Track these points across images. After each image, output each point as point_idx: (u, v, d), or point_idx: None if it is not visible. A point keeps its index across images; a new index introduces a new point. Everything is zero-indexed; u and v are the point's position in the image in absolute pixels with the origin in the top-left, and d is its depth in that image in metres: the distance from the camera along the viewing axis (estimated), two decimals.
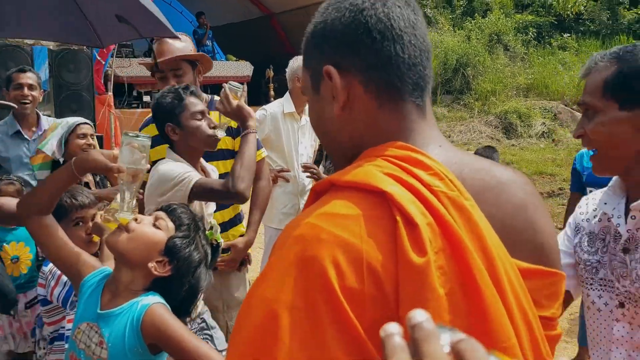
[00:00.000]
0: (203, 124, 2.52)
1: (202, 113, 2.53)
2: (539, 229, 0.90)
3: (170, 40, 2.95)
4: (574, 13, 20.56)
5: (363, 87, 0.90)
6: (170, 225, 1.86)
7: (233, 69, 11.39)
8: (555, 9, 20.39)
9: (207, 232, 2.00)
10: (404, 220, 0.76)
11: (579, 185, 3.65)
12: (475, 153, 4.32)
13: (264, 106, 4.08)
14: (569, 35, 20.41)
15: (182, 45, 3.00)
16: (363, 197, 0.79)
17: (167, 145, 2.60)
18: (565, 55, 18.99)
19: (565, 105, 16.13)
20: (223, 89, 2.48)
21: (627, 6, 21.71)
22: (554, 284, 0.89)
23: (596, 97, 1.34)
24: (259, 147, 3.07)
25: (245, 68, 11.63)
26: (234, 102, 2.43)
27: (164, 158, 2.54)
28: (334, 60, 0.91)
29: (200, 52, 3.24)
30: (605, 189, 1.48)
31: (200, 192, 2.36)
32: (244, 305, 0.79)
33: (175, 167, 2.41)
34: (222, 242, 2.26)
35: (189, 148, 2.52)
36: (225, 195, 2.39)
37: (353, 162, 0.88)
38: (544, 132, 14.51)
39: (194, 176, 2.38)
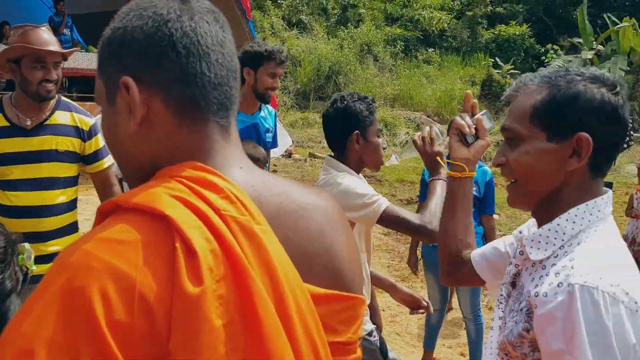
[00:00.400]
0: (381, 143, 2.42)
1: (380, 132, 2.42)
2: (337, 254, 0.89)
3: (43, 28, 2.67)
4: (438, 29, 21.94)
5: (164, 104, 0.84)
6: None
7: (95, 61, 10.93)
8: (422, 24, 21.62)
9: (19, 257, 1.76)
10: (183, 247, 0.72)
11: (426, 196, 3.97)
12: None
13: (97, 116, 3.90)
14: (433, 50, 21.74)
15: (54, 38, 2.71)
16: (145, 222, 0.74)
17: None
18: (429, 68, 20.21)
19: (428, 117, 17.19)
20: (430, 129, 2.28)
21: (485, 26, 23.56)
22: (351, 308, 0.88)
23: (523, 124, 1.21)
24: (106, 154, 2.86)
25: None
26: (437, 148, 2.24)
27: None
28: (133, 72, 0.84)
29: (72, 49, 3.03)
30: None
31: (391, 219, 2.22)
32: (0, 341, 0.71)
33: (361, 185, 2.29)
34: (34, 270, 1.98)
35: (359, 163, 2.40)
36: (417, 230, 2.21)
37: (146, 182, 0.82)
38: (407, 141, 15.35)
39: (384, 201, 2.24)
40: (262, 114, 3.57)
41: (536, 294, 1.11)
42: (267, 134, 3.60)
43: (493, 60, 21.37)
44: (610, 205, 1.22)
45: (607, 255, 1.14)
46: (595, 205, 1.19)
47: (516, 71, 21.41)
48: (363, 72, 18.22)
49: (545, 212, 1.25)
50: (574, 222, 1.18)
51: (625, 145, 4.74)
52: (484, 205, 3.95)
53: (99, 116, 3.93)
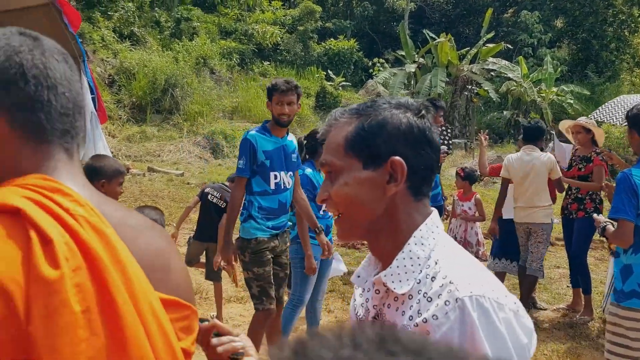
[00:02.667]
0: None
1: None
2: (174, 272, 0.98)
3: None
4: (272, 43, 22.48)
5: (9, 126, 0.89)
6: None
7: None
8: (256, 38, 22.01)
9: None
10: (38, 237, 0.77)
11: None
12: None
13: None
14: (268, 63, 22.24)
15: None
16: None
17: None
18: (265, 81, 20.58)
19: None
20: None
21: (317, 40, 24.60)
22: (187, 318, 0.96)
23: (338, 156, 1.20)
24: None
25: None
26: None
27: None
28: None
29: None
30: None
31: None
32: None
33: None
34: None
35: None
36: None
37: None
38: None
39: None
40: (289, 138, 4.03)
41: (424, 320, 1.08)
42: (293, 155, 4.03)
43: (325, 73, 22.37)
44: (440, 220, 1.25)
45: (469, 264, 1.16)
46: (433, 223, 1.20)
47: (347, 83, 22.66)
48: (200, 85, 18.12)
49: (376, 240, 1.23)
50: (422, 244, 1.17)
51: (447, 150, 5.24)
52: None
53: None
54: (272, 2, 24.85)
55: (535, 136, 5.50)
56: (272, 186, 3.87)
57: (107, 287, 0.79)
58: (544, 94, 20.57)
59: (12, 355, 0.72)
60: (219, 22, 22.28)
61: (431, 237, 1.18)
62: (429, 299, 1.10)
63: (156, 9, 20.72)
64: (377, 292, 1.20)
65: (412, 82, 20.55)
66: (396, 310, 1.16)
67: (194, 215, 6.10)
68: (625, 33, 27.47)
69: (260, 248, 3.86)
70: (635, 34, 27.89)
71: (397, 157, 1.16)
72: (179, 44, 19.62)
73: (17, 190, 0.83)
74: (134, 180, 12.16)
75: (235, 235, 4.03)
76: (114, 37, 18.25)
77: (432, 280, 1.12)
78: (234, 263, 4.00)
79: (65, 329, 0.74)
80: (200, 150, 15.49)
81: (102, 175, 2.96)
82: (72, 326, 0.74)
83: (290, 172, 3.98)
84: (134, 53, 17.90)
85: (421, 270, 1.15)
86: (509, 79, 20.27)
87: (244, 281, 4.06)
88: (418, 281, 1.14)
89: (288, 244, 4.12)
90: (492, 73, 21.05)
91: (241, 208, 3.97)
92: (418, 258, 1.16)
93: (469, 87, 20.70)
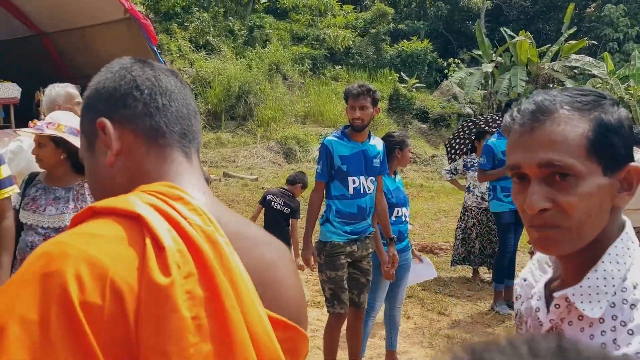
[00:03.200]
0: None
1: None
2: (285, 288, 0.98)
3: None
4: (344, 47, 22.42)
5: (133, 135, 0.97)
6: None
7: None
8: (327, 42, 22.02)
9: None
10: (152, 243, 0.81)
11: None
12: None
13: (19, 137, 3.76)
14: (340, 67, 22.18)
15: None
16: (119, 221, 0.83)
17: None
18: (337, 85, 20.59)
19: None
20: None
21: (389, 43, 24.33)
22: (292, 339, 0.94)
23: (579, 159, 0.99)
24: (7, 185, 3.00)
25: (10, 89, 10.64)
26: None
27: None
28: (107, 114, 0.98)
29: None
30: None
31: None
32: None
33: None
34: None
35: None
36: None
37: None
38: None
39: None
40: (371, 142, 4.00)
41: (626, 357, 0.86)
42: (375, 160, 3.97)
43: (398, 75, 22.06)
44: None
45: None
46: (628, 237, 1.05)
47: (421, 84, 22.24)
48: (273, 90, 18.28)
49: (588, 255, 1.05)
50: (617, 263, 1.03)
51: None
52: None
53: (6, 149, 3.82)
54: (344, 6, 24.78)
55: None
56: (351, 191, 3.88)
57: (218, 294, 0.82)
58: (632, 91, 19.36)
59: (118, 356, 0.75)
60: (291, 29, 22.45)
61: (627, 254, 1.04)
62: (630, 332, 0.97)
63: (230, 18, 21.12)
64: (557, 306, 1.07)
65: (490, 82, 19.90)
66: (581, 331, 1.03)
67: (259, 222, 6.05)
68: None
69: (334, 252, 3.87)
70: None
71: (634, 164, 1.02)
72: (252, 52, 19.91)
73: (143, 196, 0.89)
74: (211, 186, 12.33)
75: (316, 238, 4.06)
76: (190, 47, 18.75)
77: (632, 309, 0.98)
78: (312, 264, 3.99)
79: (174, 334, 0.77)
80: (273, 155, 15.58)
81: None
82: (181, 331, 0.77)
83: (372, 177, 3.95)
84: (209, 62, 18.30)
85: (615, 293, 1.01)
86: (594, 76, 19.21)
87: (320, 283, 4.07)
88: (612, 304, 1.00)
89: (370, 250, 4.05)
90: (575, 70, 20.06)
91: (320, 211, 4.02)
92: (612, 279, 1.02)
93: (551, 85, 19.82)
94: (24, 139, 3.67)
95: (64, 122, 2.90)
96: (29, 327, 0.72)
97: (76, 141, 3.02)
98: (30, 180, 3.03)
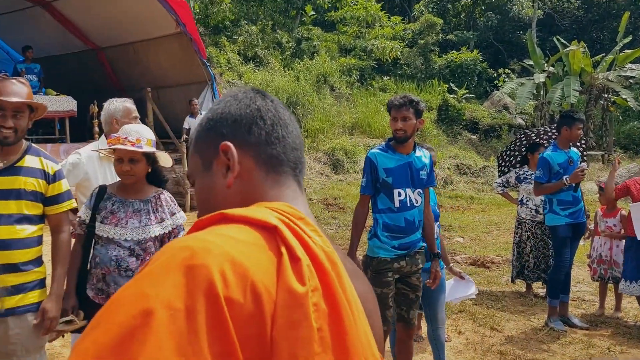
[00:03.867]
0: None
1: None
2: (373, 319, 1.02)
3: (14, 80, 2.95)
4: (391, 58, 22.33)
5: (254, 160, 1.04)
6: None
7: (54, 104, 10.71)
8: (375, 54, 21.98)
9: None
10: (289, 253, 0.85)
11: None
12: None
13: (77, 150, 3.86)
14: (388, 78, 22.09)
15: (26, 90, 2.96)
16: (254, 229, 0.88)
17: None
18: (385, 96, 20.49)
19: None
20: None
21: (438, 53, 24.11)
22: None
23: None
24: (66, 199, 3.08)
25: (67, 103, 10.99)
26: None
27: None
28: (230, 139, 1.04)
29: (39, 102, 3.15)
30: None
31: None
32: (108, 303, 0.77)
33: None
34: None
35: None
36: None
37: None
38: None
39: None
40: (417, 153, 3.91)
41: None
42: (422, 172, 3.89)
43: (447, 85, 21.81)
44: None
45: None
46: None
47: (471, 95, 21.93)
48: (320, 102, 18.35)
49: None
50: None
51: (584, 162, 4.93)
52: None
53: (65, 161, 3.92)
54: (392, 17, 24.72)
55: None
56: (397, 204, 3.80)
57: (338, 309, 0.86)
58: None
59: (255, 353, 0.78)
60: (339, 40, 22.52)
61: None
62: None
63: (278, 30, 21.35)
64: None
65: (542, 92, 19.43)
66: None
67: None
68: None
69: (381, 268, 3.79)
70: None
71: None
72: (299, 63, 20.05)
73: (269, 211, 0.93)
74: None
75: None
76: (238, 60, 19.02)
77: None
78: None
79: (304, 341, 0.81)
80: (321, 166, 15.60)
81: None
82: (309, 339, 0.81)
83: (419, 190, 3.86)
84: (257, 74, 18.53)
85: None
86: None
87: None
88: None
89: (420, 265, 3.94)
90: (631, 80, 19.40)
91: (364, 225, 3.94)
92: None
93: (605, 95, 19.21)
94: (82, 151, 3.77)
95: (151, 137, 3.02)
96: (176, 314, 0.74)
97: (163, 155, 3.16)
98: (102, 193, 3.07)
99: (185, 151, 11.35)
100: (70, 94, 11.25)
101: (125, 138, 2.93)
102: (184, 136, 11.64)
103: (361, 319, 0.92)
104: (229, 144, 1.03)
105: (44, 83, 11.75)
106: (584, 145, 7.37)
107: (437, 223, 4.38)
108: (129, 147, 2.90)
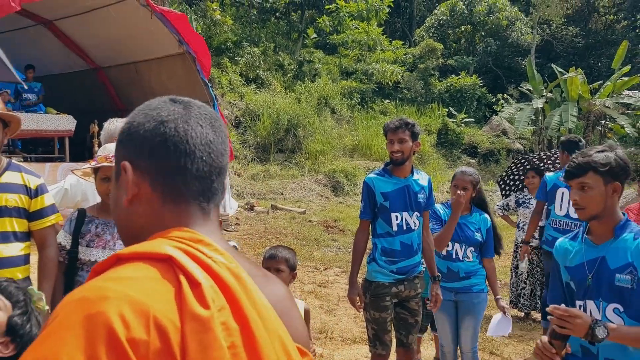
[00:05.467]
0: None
1: None
2: (294, 317, 1.07)
3: None
4: (392, 82, 22.54)
5: (151, 187, 1.02)
6: (7, 304, 1.83)
7: (53, 123, 10.78)
8: (376, 77, 22.19)
9: (33, 302, 1.97)
10: (187, 281, 0.87)
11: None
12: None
13: (66, 178, 3.78)
14: (389, 101, 22.27)
15: None
16: (149, 264, 0.88)
17: None
18: (386, 119, 20.59)
19: None
20: None
21: (438, 78, 24.35)
22: None
23: None
24: (50, 213, 3.06)
25: (67, 122, 11.03)
26: None
27: None
28: (132, 159, 1.02)
29: (11, 114, 3.11)
30: None
31: None
32: None
33: None
34: (47, 309, 2.21)
35: None
36: None
37: None
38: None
39: None
40: (415, 177, 3.90)
41: None
42: (420, 195, 3.87)
43: (447, 110, 21.99)
44: None
45: None
46: None
47: (470, 119, 22.09)
48: (321, 124, 18.47)
49: None
50: None
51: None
52: (485, 249, 4.16)
53: (67, 179, 3.82)
54: (393, 41, 25.00)
55: None
56: (394, 227, 3.79)
57: (248, 324, 0.88)
58: None
59: None
60: (340, 63, 22.75)
61: None
62: None
63: (280, 52, 21.57)
64: None
65: (540, 118, 19.60)
66: None
67: None
68: None
69: (379, 292, 3.77)
70: None
71: None
72: (301, 86, 20.22)
73: (164, 241, 0.93)
74: (259, 218, 12.47)
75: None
76: (240, 81, 19.20)
77: None
78: (359, 305, 3.85)
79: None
80: (321, 188, 15.66)
81: None
82: (222, 359, 0.84)
83: (417, 213, 3.84)
84: (259, 95, 18.68)
85: None
86: None
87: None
88: None
89: (420, 290, 3.93)
90: (628, 107, 19.59)
91: (364, 251, 3.93)
92: None
93: (602, 122, 19.39)
94: (69, 179, 3.76)
95: None
96: None
97: None
98: (82, 217, 2.94)
99: None
100: (71, 113, 11.28)
101: (112, 156, 2.84)
102: None
103: (274, 325, 0.94)
104: (127, 164, 1.02)
105: (43, 101, 11.84)
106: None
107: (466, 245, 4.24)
108: (108, 164, 2.79)
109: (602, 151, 2.31)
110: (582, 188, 2.30)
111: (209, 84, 11.48)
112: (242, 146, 17.09)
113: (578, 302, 2.36)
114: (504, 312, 4.11)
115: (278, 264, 3.08)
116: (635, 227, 2.31)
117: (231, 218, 11.86)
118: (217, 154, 1.06)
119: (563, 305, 2.20)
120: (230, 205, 11.61)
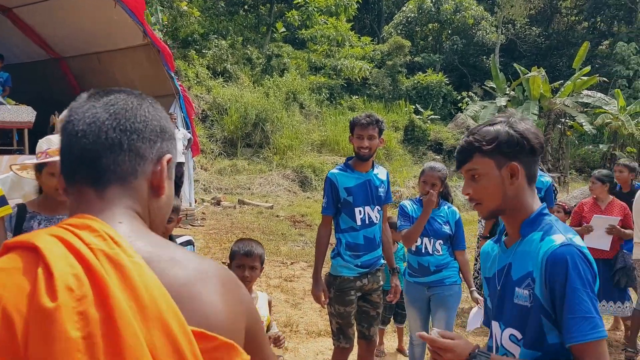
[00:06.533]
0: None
1: None
2: (205, 302, 1.00)
3: None
4: (360, 78, 22.65)
5: (62, 176, 1.10)
6: None
7: (12, 114, 10.51)
8: (344, 73, 22.27)
9: None
10: (44, 271, 0.89)
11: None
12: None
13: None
14: (357, 97, 22.38)
15: None
16: (20, 254, 0.93)
17: None
18: (354, 115, 20.71)
19: None
20: None
21: (406, 75, 24.57)
22: (217, 349, 0.98)
23: None
24: (1, 204, 2.85)
25: (25, 113, 10.75)
26: None
27: None
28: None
29: None
30: None
31: None
32: None
33: None
34: None
35: None
36: None
37: None
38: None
39: None
40: (375, 171, 3.95)
41: None
42: (380, 189, 3.93)
43: (414, 106, 22.22)
44: None
45: None
46: None
47: (436, 116, 22.36)
48: (289, 119, 18.45)
49: None
50: None
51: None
52: (456, 242, 4.22)
53: (10, 172, 3.67)
54: (361, 37, 25.12)
55: None
56: (358, 222, 3.84)
57: (112, 314, 0.88)
58: None
59: None
60: (309, 58, 22.74)
61: None
62: None
63: (248, 46, 21.47)
64: None
65: None
66: None
67: None
68: None
69: (344, 287, 3.82)
70: None
71: None
72: (269, 80, 20.15)
73: (52, 229, 0.98)
74: (225, 213, 12.42)
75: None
76: (207, 74, 19.04)
77: None
78: (323, 300, 3.87)
79: (61, 354, 0.83)
80: (289, 183, 15.67)
81: None
82: (68, 351, 0.83)
83: (378, 207, 3.91)
84: (226, 89, 18.56)
85: None
86: (605, 111, 19.28)
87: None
88: None
89: (381, 282, 4.00)
90: (587, 106, 20.13)
91: (327, 246, 3.96)
92: None
93: (562, 120, 19.87)
94: (29, 162, 3.67)
95: None
96: None
97: None
98: (22, 213, 2.79)
99: None
100: (32, 104, 10.99)
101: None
102: None
103: (158, 311, 0.92)
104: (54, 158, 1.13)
105: (8, 92, 11.54)
106: (542, 167, 7.68)
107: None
108: (54, 159, 2.65)
109: (493, 124, 1.75)
110: (472, 177, 1.77)
111: (175, 77, 11.35)
112: (209, 140, 16.97)
113: (493, 322, 1.86)
114: (478, 304, 4.17)
115: (253, 262, 3.05)
116: (550, 222, 1.72)
117: (197, 213, 11.79)
118: (107, 132, 1.06)
119: (434, 331, 1.71)
120: (188, 197, 11.54)
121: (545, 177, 5.27)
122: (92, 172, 1.05)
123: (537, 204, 1.75)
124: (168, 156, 1.13)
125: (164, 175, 1.12)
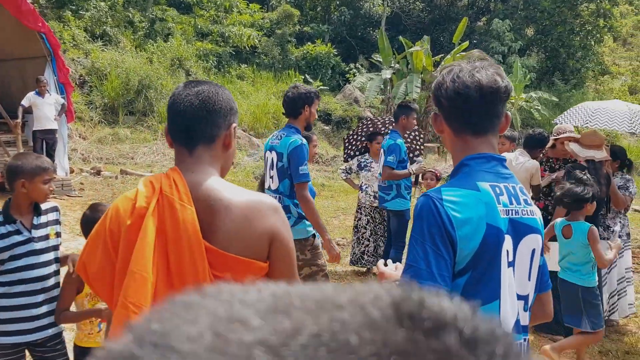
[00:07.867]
0: None
1: None
2: (227, 229, 1.68)
3: None
4: (249, 46, 22.33)
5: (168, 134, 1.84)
6: None
7: None
8: (233, 40, 21.85)
9: None
10: (137, 197, 1.67)
11: None
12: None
13: None
14: (246, 66, 22.08)
15: None
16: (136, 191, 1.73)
17: None
18: (243, 84, 20.48)
19: (244, 131, 17.40)
20: None
21: (295, 45, 24.53)
22: (229, 264, 1.65)
23: None
24: None
25: None
26: None
27: None
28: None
29: None
30: None
31: None
32: None
33: None
34: None
35: None
36: None
37: None
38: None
39: None
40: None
41: None
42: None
43: (303, 77, 22.29)
44: None
45: None
46: None
47: (325, 87, 22.59)
48: (175, 86, 17.84)
49: None
50: None
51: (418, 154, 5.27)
52: None
53: None
54: (250, 4, 24.70)
55: (532, 144, 5.47)
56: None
57: (136, 234, 1.63)
58: (513, 100, 20.77)
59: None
60: (195, 24, 22.07)
61: None
62: None
63: (130, 8, 20.44)
64: None
65: (388, 87, 20.56)
66: None
67: None
68: (591, 42, 28.52)
69: (317, 242, 4.29)
70: (601, 44, 28.92)
71: None
72: (153, 45, 19.37)
73: (155, 176, 1.72)
74: (106, 183, 11.91)
75: None
76: (85, 37, 17.97)
77: None
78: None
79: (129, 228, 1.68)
80: (173, 153, 15.24)
81: (20, 175, 2.75)
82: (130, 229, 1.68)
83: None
84: (106, 53, 17.63)
85: None
86: None
87: (310, 279, 4.22)
88: None
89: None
90: None
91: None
92: None
93: None
94: None
95: None
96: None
97: None
98: None
99: (20, 132, 10.46)
100: None
101: None
102: (20, 115, 10.52)
103: (186, 237, 1.59)
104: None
105: None
106: (422, 138, 8.00)
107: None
108: None
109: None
110: None
111: (46, 38, 10.58)
112: (88, 107, 16.09)
113: None
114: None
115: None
116: None
117: (75, 183, 11.20)
118: (197, 108, 1.70)
119: (391, 263, 1.92)
120: (63, 165, 10.96)
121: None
122: (187, 137, 1.71)
123: None
124: (234, 125, 1.77)
125: (231, 137, 1.75)
